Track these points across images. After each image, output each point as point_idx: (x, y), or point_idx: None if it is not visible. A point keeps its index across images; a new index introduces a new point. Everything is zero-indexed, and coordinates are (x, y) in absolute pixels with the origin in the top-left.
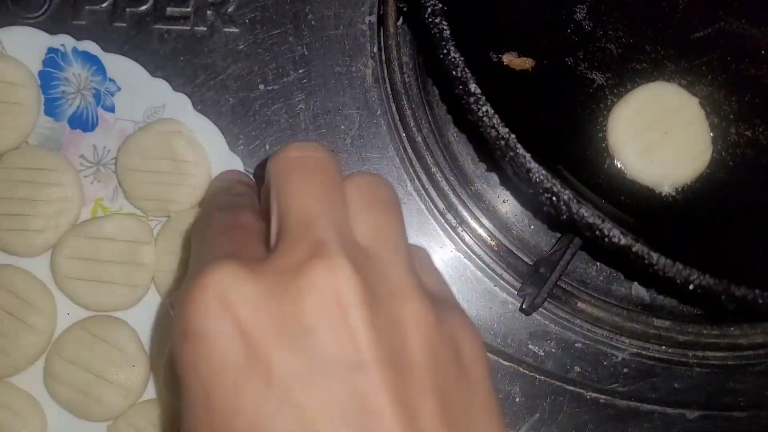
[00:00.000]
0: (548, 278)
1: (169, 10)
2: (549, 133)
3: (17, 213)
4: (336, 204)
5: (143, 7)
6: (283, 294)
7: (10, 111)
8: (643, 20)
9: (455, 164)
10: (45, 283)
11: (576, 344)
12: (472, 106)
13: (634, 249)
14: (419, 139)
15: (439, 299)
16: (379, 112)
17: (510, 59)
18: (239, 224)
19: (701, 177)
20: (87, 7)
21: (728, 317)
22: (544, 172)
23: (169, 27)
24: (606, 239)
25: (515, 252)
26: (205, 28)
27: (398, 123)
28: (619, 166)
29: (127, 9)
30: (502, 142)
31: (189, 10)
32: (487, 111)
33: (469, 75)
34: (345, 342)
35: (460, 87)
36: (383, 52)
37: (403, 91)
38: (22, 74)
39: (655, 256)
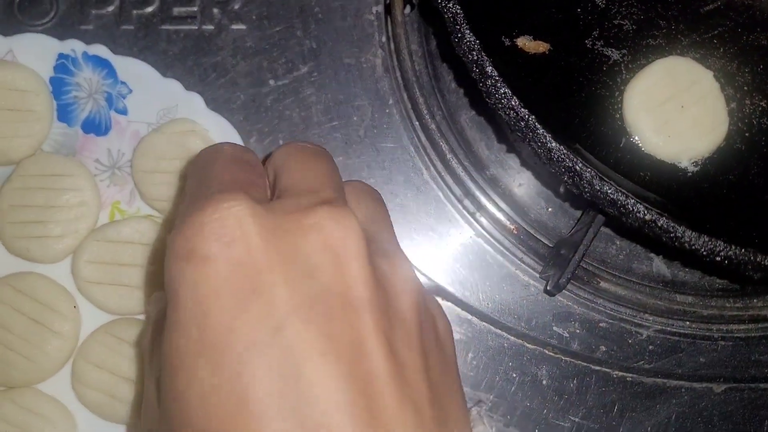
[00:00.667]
0: (571, 258)
1: (176, 10)
2: (566, 111)
3: (36, 220)
4: (340, 185)
5: (150, 9)
6: (294, 231)
7: (23, 119)
8: None
9: (470, 150)
10: (67, 289)
11: (600, 324)
12: (490, 88)
13: (659, 223)
14: (433, 126)
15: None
16: (391, 102)
17: (524, 43)
18: (248, 160)
19: (719, 149)
20: (94, 12)
21: (753, 287)
22: (565, 151)
23: (176, 27)
24: (631, 215)
25: (534, 235)
26: (212, 27)
27: (411, 111)
28: (636, 141)
29: (134, 11)
30: (522, 123)
31: (195, 9)
32: (505, 93)
33: (485, 57)
34: (345, 283)
35: (477, 70)
36: (392, 42)
37: (414, 79)
38: (33, 81)
39: (680, 229)
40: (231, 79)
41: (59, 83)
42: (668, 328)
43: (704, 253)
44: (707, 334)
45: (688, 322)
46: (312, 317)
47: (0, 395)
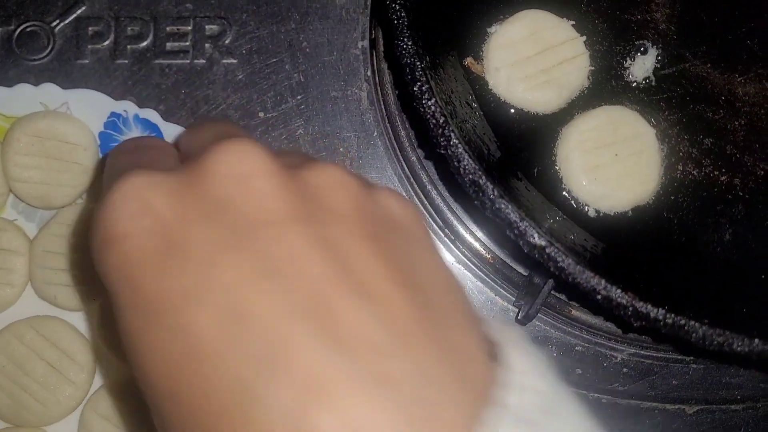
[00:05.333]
0: (542, 289)
1: (169, 45)
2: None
3: (66, 268)
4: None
5: (144, 44)
6: (194, 181)
7: (69, 169)
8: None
9: (449, 180)
10: (88, 339)
11: (576, 348)
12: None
13: (547, 251)
14: (414, 158)
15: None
16: (375, 134)
17: (470, 62)
18: (152, 144)
19: (640, 207)
20: (89, 46)
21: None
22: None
23: (169, 61)
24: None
25: (510, 264)
26: (204, 61)
27: (394, 143)
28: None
29: (129, 46)
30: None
31: (188, 44)
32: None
33: (439, 112)
34: (257, 205)
35: (433, 127)
36: (376, 75)
37: (396, 112)
38: (84, 138)
39: (567, 261)
40: (222, 112)
41: (107, 139)
42: (642, 352)
43: (585, 288)
44: (680, 357)
45: (661, 346)
46: (231, 248)
47: None
